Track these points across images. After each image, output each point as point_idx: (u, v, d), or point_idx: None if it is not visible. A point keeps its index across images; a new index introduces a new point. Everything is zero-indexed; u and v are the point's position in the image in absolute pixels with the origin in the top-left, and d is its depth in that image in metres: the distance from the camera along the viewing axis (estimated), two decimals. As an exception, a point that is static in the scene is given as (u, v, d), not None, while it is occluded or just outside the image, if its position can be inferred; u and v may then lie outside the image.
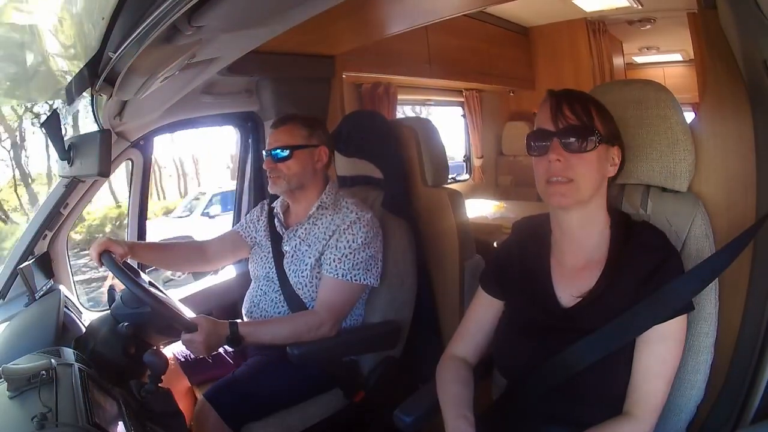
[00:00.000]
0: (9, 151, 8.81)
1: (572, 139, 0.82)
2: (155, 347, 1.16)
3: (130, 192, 1.63)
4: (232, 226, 1.58)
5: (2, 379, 0.79)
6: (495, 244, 2.26)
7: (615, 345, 0.81)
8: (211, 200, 7.60)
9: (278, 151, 1.31)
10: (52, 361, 0.85)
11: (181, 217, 7.85)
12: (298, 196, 1.37)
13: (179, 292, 1.71)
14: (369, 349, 1.39)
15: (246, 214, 1.58)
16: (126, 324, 1.10)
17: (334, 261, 1.28)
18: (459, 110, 3.61)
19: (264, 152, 1.35)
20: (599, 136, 0.83)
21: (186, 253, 1.46)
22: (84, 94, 1.04)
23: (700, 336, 0.88)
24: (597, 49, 3.44)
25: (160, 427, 0.96)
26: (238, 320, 1.22)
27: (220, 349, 1.34)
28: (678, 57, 4.01)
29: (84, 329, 1.19)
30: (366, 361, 1.40)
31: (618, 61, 3.76)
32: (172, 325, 1.15)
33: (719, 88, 0.94)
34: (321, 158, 1.36)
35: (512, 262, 0.97)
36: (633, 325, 0.80)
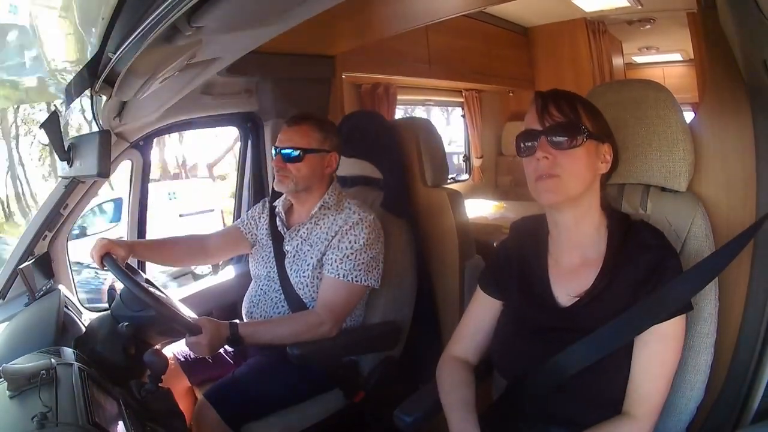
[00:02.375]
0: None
1: (559, 137, 0.82)
2: (155, 347, 1.16)
3: (130, 192, 1.64)
4: (233, 222, 1.58)
5: (2, 379, 0.79)
6: (495, 244, 2.25)
7: (614, 345, 0.81)
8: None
9: (289, 151, 1.30)
10: (52, 360, 0.84)
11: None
12: (303, 198, 1.37)
13: (179, 292, 1.71)
14: (369, 349, 1.39)
15: (247, 212, 1.58)
16: (126, 324, 1.10)
17: (335, 261, 1.28)
18: (458, 110, 3.61)
19: (273, 148, 1.33)
20: (587, 132, 0.83)
21: (186, 248, 1.46)
22: (84, 94, 1.04)
23: (700, 336, 0.88)
24: (597, 49, 3.44)
25: (160, 427, 0.96)
26: (238, 321, 1.23)
27: (221, 349, 1.34)
28: (678, 57, 4.01)
29: (84, 329, 1.19)
30: (366, 361, 1.40)
31: (618, 61, 3.76)
32: (173, 326, 1.15)
33: (719, 88, 0.94)
34: (330, 164, 1.35)
35: (510, 263, 0.97)
36: (632, 325, 0.80)
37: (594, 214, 0.88)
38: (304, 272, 1.32)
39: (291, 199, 1.41)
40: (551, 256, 0.92)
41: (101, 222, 5.21)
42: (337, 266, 1.27)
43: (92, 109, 1.19)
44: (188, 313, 1.26)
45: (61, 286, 1.35)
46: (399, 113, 3.41)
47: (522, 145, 0.86)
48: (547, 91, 0.87)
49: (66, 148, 1.21)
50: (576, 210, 0.87)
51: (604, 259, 0.86)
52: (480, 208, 2.93)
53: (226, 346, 1.23)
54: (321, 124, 1.35)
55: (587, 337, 0.82)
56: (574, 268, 0.89)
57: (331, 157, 1.35)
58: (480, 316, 1.00)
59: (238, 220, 1.54)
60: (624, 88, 0.98)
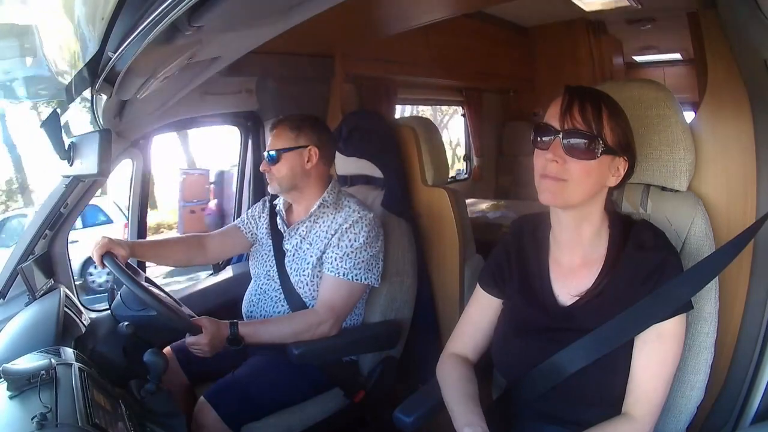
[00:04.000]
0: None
1: (573, 144, 0.79)
2: (155, 347, 1.16)
3: (130, 192, 1.64)
4: (233, 222, 1.59)
5: (2, 379, 0.79)
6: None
7: (614, 344, 0.81)
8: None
9: (270, 154, 1.32)
10: (52, 361, 0.84)
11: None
12: (296, 197, 1.37)
13: (179, 292, 1.71)
14: (369, 349, 1.39)
15: (247, 210, 1.58)
16: (126, 324, 1.10)
17: (335, 260, 1.28)
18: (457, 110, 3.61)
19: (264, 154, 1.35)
20: (604, 146, 0.80)
21: (186, 248, 1.46)
22: (84, 93, 1.04)
23: (700, 336, 0.88)
24: (597, 49, 3.43)
25: (160, 427, 0.96)
26: (238, 320, 1.23)
27: (221, 349, 1.34)
28: (678, 57, 4.00)
29: (84, 329, 1.19)
30: (366, 361, 1.40)
31: (618, 61, 3.75)
32: (173, 326, 1.15)
33: (719, 88, 0.94)
34: (310, 158, 1.33)
35: (510, 261, 0.96)
36: (632, 325, 0.80)
37: (596, 217, 0.87)
38: (303, 271, 1.32)
39: (287, 199, 1.42)
40: (552, 255, 0.92)
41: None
42: (337, 265, 1.27)
43: (92, 108, 1.19)
44: (188, 312, 1.26)
45: (61, 286, 1.35)
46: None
47: (538, 139, 0.83)
48: (576, 88, 0.82)
49: (66, 147, 1.21)
50: (577, 212, 0.86)
51: (605, 259, 0.86)
52: (480, 208, 2.93)
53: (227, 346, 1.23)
54: (294, 122, 1.34)
55: (587, 336, 0.82)
56: (574, 267, 0.89)
57: (309, 152, 1.33)
58: (480, 314, 1.00)
59: (238, 219, 1.54)
60: (624, 88, 0.98)
